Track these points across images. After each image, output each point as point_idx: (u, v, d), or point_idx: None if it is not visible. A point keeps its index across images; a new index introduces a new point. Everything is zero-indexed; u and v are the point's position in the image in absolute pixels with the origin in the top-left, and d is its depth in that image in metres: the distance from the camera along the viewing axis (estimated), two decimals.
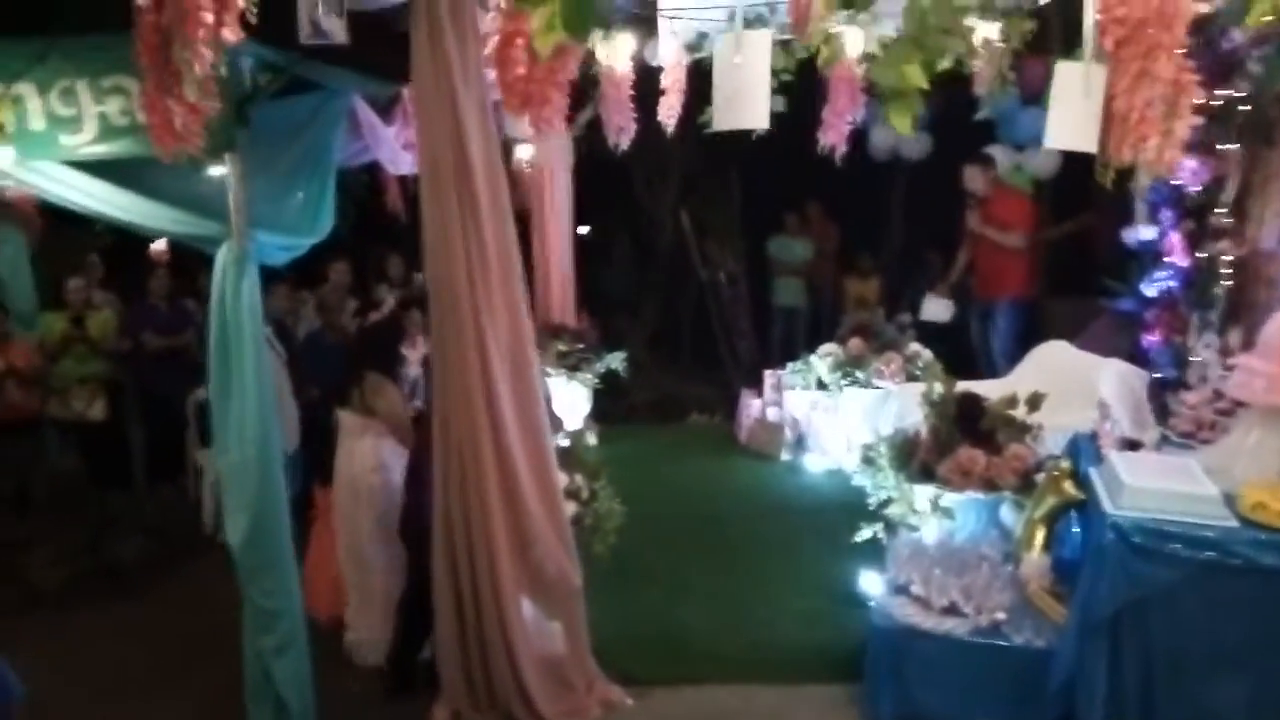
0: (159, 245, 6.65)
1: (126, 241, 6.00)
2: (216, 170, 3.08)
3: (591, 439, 5.91)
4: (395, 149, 4.27)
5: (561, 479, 3.66)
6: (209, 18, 1.71)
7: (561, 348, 5.76)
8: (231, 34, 1.76)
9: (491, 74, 2.03)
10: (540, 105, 2.01)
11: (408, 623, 3.61)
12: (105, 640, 4.57)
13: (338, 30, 2.24)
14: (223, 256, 3.06)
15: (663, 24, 4.13)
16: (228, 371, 3.06)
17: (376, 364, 3.91)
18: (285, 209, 3.49)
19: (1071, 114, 1.92)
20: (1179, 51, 1.82)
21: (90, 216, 3.43)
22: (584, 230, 5.94)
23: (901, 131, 2.23)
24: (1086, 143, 1.99)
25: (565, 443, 3.85)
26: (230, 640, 3.30)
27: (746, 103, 2.15)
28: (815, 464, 5.62)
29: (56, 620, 4.80)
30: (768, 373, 6.22)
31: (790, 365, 6.02)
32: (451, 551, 3.12)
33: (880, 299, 8.29)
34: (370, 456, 3.77)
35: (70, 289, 5.74)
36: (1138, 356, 5.00)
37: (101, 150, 3.04)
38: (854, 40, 2.56)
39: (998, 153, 7.19)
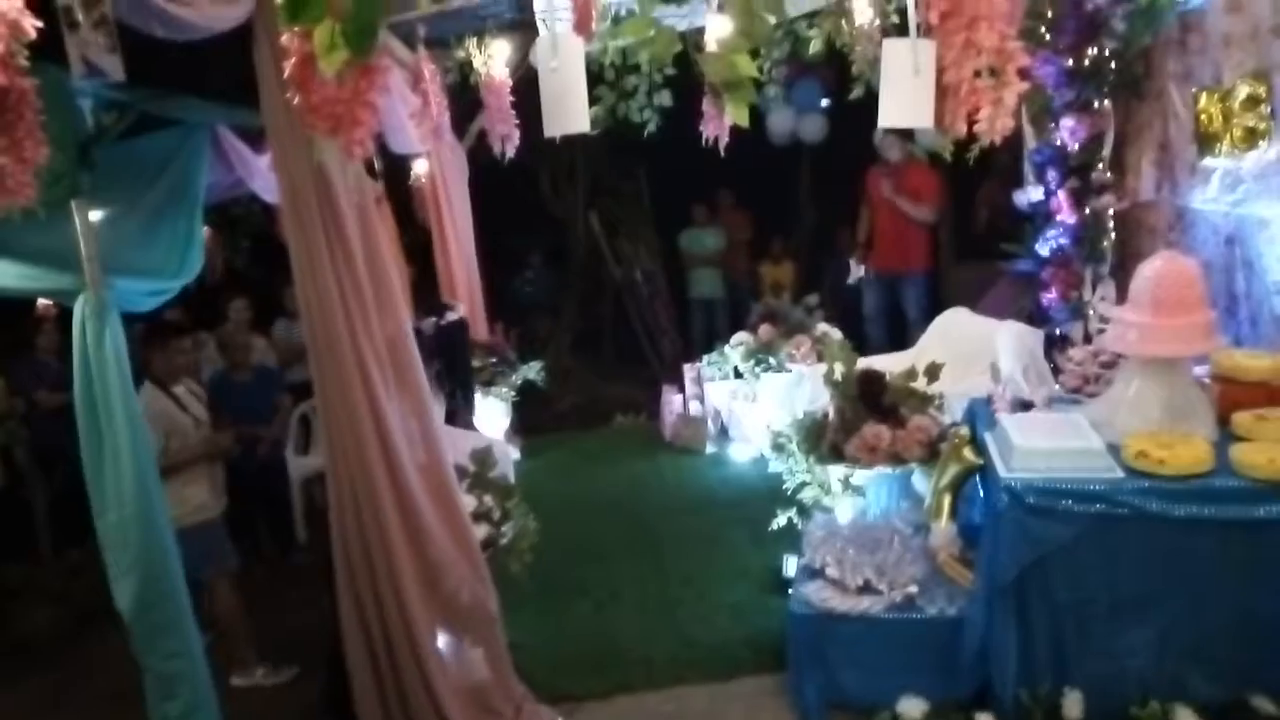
0: (45, 299, 6.35)
1: (5, 299, 5.71)
2: (95, 215, 2.93)
3: (514, 452, 5.82)
4: (270, 178, 4.12)
5: (470, 502, 3.59)
6: None
7: (475, 363, 5.66)
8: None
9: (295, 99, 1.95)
10: (351, 128, 1.93)
11: (337, 666, 3.48)
12: (19, 714, 4.36)
13: (112, 67, 2.12)
14: (80, 308, 2.90)
15: (541, 27, 4.08)
16: (98, 428, 2.91)
17: None
18: (151, 252, 3.34)
19: (903, 91, 1.91)
20: (1002, 21, 1.83)
21: None
22: None
23: (739, 122, 2.21)
24: (920, 119, 1.99)
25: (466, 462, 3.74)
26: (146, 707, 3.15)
27: (569, 107, 2.10)
28: (740, 453, 5.63)
29: None
30: (687, 366, 6.22)
31: (707, 357, 6.02)
32: (355, 590, 3.01)
33: (795, 282, 8.39)
34: None
35: None
36: (1037, 316, 5.13)
37: None
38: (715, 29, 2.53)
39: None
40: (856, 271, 6.95)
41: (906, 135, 6.68)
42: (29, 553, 5.80)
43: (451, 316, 5.60)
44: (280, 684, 4.01)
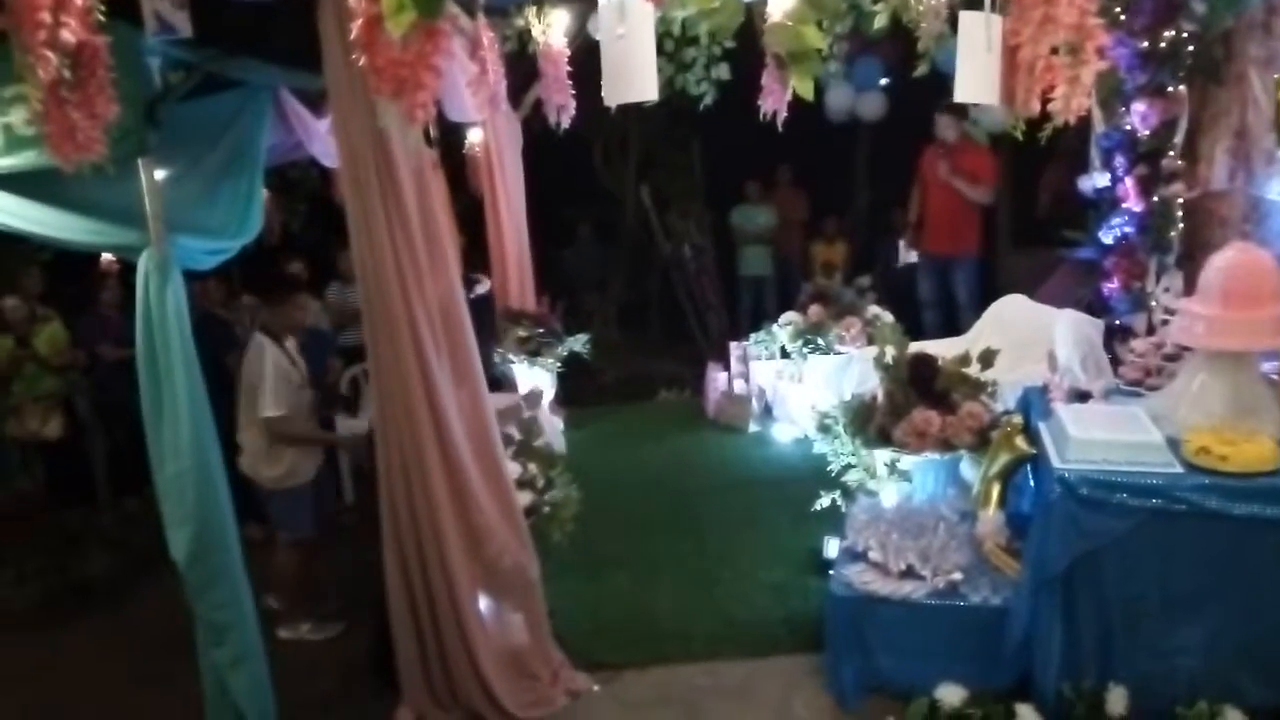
0: (108, 255, 6.52)
1: (69, 254, 5.88)
2: (159, 173, 2.99)
3: (557, 423, 5.85)
4: (329, 142, 4.16)
5: (515, 469, 3.62)
6: (47, 18, 1.62)
7: (521, 333, 5.69)
8: (71, 35, 1.67)
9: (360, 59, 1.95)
10: (414, 91, 1.93)
11: (384, 620, 3.55)
12: (75, 656, 4.53)
13: (182, 23, 2.15)
14: (144, 264, 2.97)
15: None
16: (157, 382, 2.98)
17: None
18: (212, 211, 3.39)
19: (978, 66, 1.86)
20: None
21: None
22: None
23: (803, 95, 2.17)
24: (989, 94, 1.93)
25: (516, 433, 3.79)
26: (196, 653, 3.25)
27: (634, 76, 2.08)
28: (783, 433, 5.60)
29: (26, 638, 4.75)
30: (733, 344, 6.19)
31: (754, 336, 5.98)
32: (401, 552, 3.07)
33: (847, 262, 8.27)
34: None
35: (7, 309, 5.62)
36: (1097, 305, 5.00)
37: (9, 163, 2.93)
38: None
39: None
40: (906, 255, 6.84)
41: (962, 115, 6.52)
42: (89, 500, 6.00)
43: (480, 290, 5.62)
44: (325, 639, 4.11)
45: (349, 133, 2.87)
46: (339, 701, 3.59)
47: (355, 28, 1.95)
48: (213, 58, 3.33)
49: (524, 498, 3.54)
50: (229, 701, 3.13)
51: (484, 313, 5.64)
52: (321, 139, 4.17)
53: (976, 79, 1.90)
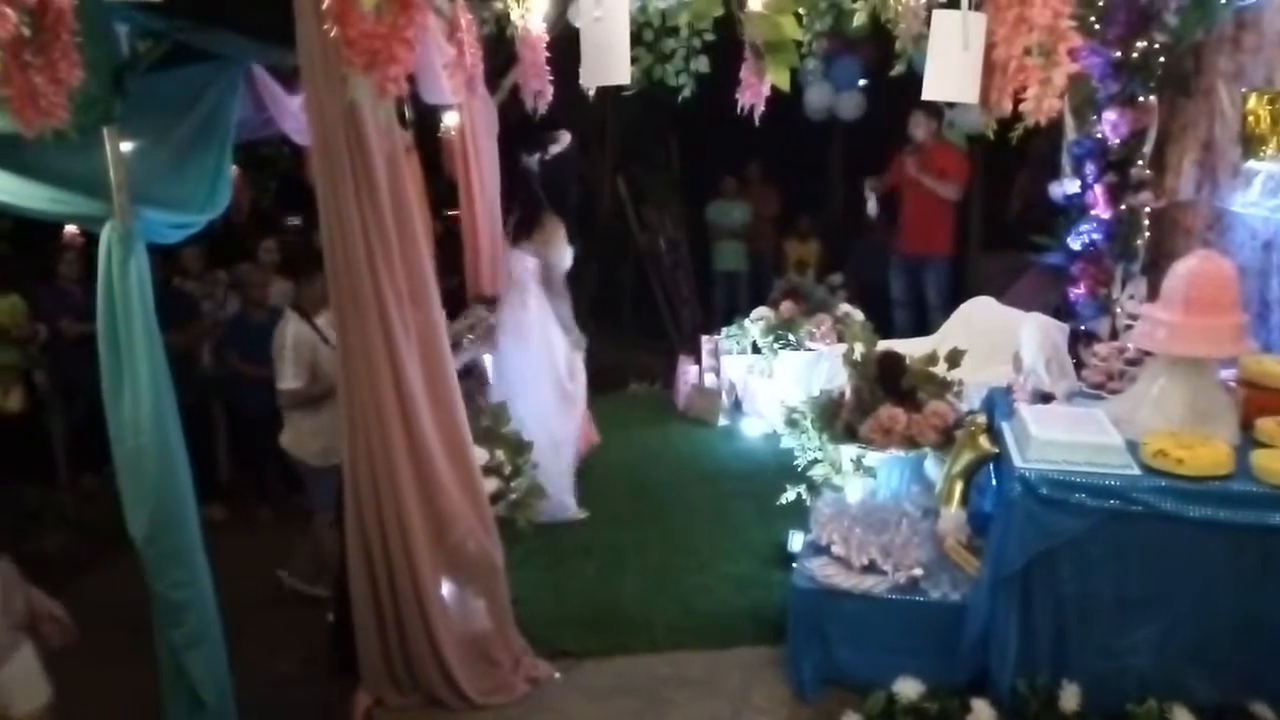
0: (72, 227, 6.39)
1: (29, 225, 5.75)
2: (125, 144, 2.94)
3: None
4: (301, 119, 4.10)
5: (482, 455, 3.61)
6: None
7: (492, 321, 5.64)
8: None
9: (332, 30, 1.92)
10: (387, 64, 1.91)
11: (345, 603, 3.52)
12: None
13: None
14: (106, 236, 2.91)
15: None
16: (118, 357, 2.93)
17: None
18: (179, 185, 3.34)
19: (950, 64, 1.87)
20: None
21: None
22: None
23: (780, 85, 2.17)
24: (965, 93, 1.94)
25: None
26: (153, 634, 3.20)
27: (610, 59, 2.07)
28: (752, 428, 5.62)
29: None
30: (705, 338, 6.20)
31: (726, 330, 6.00)
32: (364, 535, 3.04)
33: (820, 260, 8.33)
34: None
35: None
36: (1064, 309, 5.07)
37: None
38: None
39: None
40: (871, 200, 6.81)
41: (935, 116, 6.57)
42: (47, 477, 5.89)
43: (555, 149, 5.50)
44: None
45: (321, 109, 2.83)
46: (298, 683, 3.56)
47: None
48: (184, 28, 3.27)
49: (490, 484, 3.52)
50: (185, 683, 3.09)
51: (566, 173, 5.39)
52: (294, 115, 4.12)
53: (948, 77, 1.92)
